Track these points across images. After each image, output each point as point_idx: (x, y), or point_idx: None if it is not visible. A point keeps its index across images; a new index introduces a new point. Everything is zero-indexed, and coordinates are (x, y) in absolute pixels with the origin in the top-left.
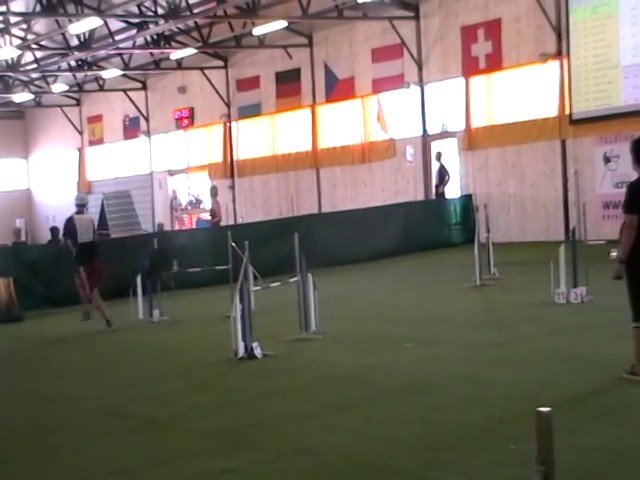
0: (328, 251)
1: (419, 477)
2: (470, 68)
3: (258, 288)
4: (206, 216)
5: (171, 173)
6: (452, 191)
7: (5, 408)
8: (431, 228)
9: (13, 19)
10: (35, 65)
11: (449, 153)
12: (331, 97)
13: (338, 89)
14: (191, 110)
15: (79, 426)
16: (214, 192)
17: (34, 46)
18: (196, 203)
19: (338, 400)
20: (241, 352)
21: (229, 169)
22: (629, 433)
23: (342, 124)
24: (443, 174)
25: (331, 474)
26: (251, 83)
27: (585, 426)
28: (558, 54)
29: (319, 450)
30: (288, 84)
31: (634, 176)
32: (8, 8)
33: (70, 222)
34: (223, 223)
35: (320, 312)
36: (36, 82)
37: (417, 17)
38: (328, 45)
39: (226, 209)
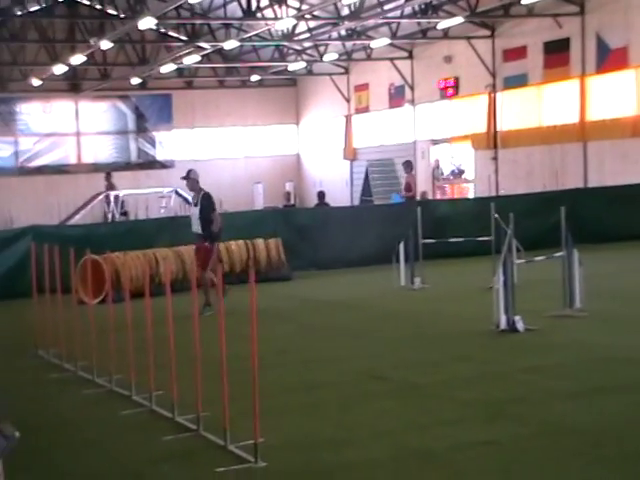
0: (595, 227)
1: None
2: None
3: (522, 261)
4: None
5: (434, 142)
6: None
7: (275, 365)
8: None
9: None
10: (308, 35)
11: None
12: (602, 68)
13: (610, 59)
14: (456, 80)
15: (344, 386)
16: (408, 167)
17: (307, 16)
18: (458, 173)
19: (605, 381)
20: (503, 325)
21: (492, 140)
22: None
23: (613, 96)
24: None
25: (598, 457)
26: (518, 53)
27: None
28: None
29: (585, 430)
30: (556, 54)
31: None
32: None
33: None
34: (485, 194)
35: (585, 289)
36: (308, 51)
37: None
38: (601, 13)
39: (488, 180)
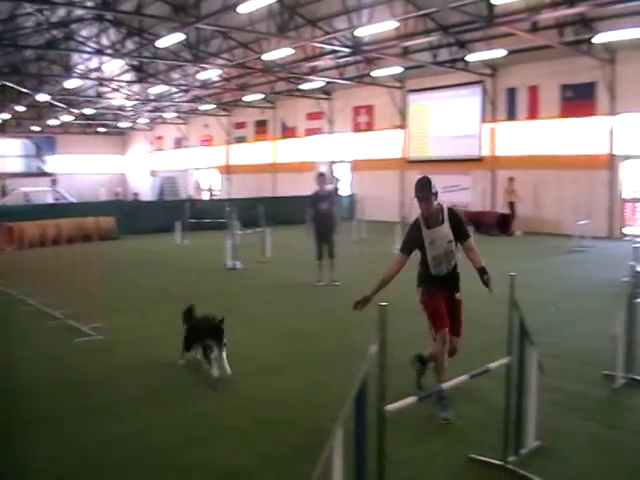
0: (277, 216)
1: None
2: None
3: (240, 232)
4: None
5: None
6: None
7: (110, 284)
8: None
9: None
10: (131, 110)
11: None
12: (283, 136)
13: (288, 133)
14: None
15: (146, 295)
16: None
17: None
18: (210, 189)
19: (280, 295)
20: (229, 265)
21: (228, 169)
22: None
23: (292, 151)
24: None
25: None
26: (242, 125)
27: None
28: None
29: None
30: (261, 127)
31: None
32: None
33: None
34: (224, 197)
35: (272, 247)
36: (131, 117)
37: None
38: (283, 108)
39: (227, 191)
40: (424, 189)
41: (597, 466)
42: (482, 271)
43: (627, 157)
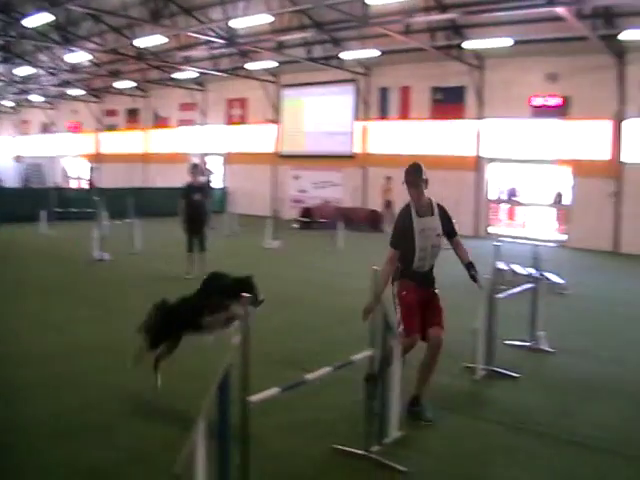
0: (151, 208)
1: None
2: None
3: (108, 223)
4: None
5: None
6: None
7: None
8: None
9: None
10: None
11: None
12: (155, 126)
13: (160, 123)
14: (77, 124)
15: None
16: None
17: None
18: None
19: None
20: (97, 257)
21: (99, 157)
22: None
23: (165, 141)
24: None
25: None
26: (113, 112)
27: None
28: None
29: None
30: (133, 117)
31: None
32: None
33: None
34: (104, 187)
35: (142, 238)
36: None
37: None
38: (156, 98)
39: (99, 180)
40: (414, 174)
41: (456, 454)
42: (470, 266)
43: (492, 160)
